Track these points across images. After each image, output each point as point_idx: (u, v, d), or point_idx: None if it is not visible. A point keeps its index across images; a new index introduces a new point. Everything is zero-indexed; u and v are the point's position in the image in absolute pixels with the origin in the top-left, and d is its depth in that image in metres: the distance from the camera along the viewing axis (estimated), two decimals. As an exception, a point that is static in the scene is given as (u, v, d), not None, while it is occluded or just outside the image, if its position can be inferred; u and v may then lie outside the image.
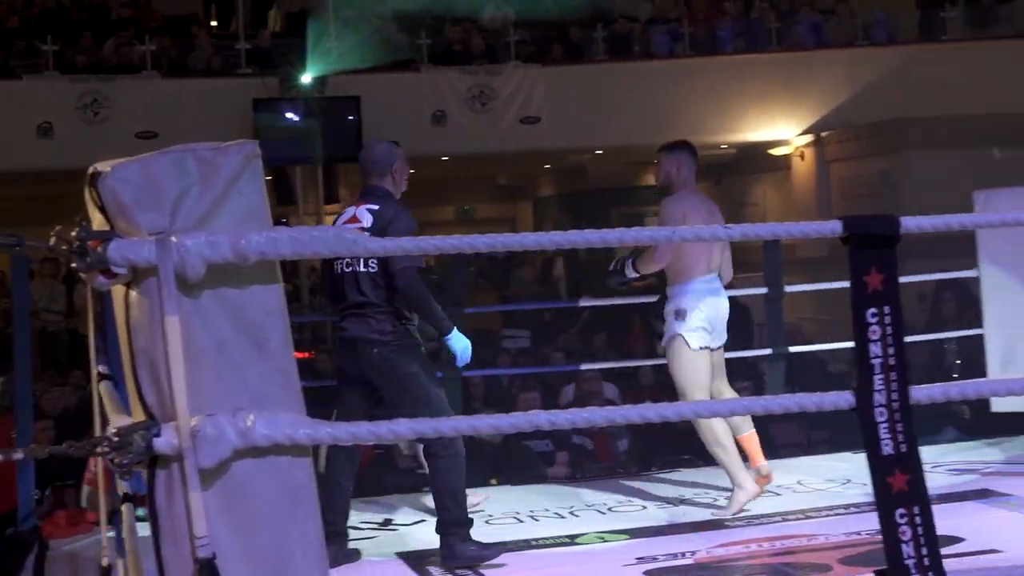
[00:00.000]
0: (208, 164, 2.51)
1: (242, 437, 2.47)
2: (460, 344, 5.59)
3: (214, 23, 18.25)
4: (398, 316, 5.45)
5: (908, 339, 8.87)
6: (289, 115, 15.50)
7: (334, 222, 5.62)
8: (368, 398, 5.63)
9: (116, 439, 2.50)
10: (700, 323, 6.21)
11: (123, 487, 3.62)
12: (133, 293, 2.57)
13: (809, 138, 17.07)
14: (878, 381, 2.78)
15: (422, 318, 5.53)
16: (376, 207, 5.53)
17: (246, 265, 2.52)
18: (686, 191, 6.36)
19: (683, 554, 5.42)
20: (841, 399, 2.91)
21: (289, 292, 15.54)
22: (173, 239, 2.47)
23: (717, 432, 6.07)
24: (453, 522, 5.39)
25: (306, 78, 15.58)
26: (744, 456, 6.31)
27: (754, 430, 6.38)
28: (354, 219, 5.53)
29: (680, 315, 6.21)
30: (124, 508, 3.55)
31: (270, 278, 2.57)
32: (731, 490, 6.14)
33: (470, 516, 5.48)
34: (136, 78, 15.82)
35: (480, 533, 6.06)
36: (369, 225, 5.44)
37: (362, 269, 5.43)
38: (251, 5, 17.64)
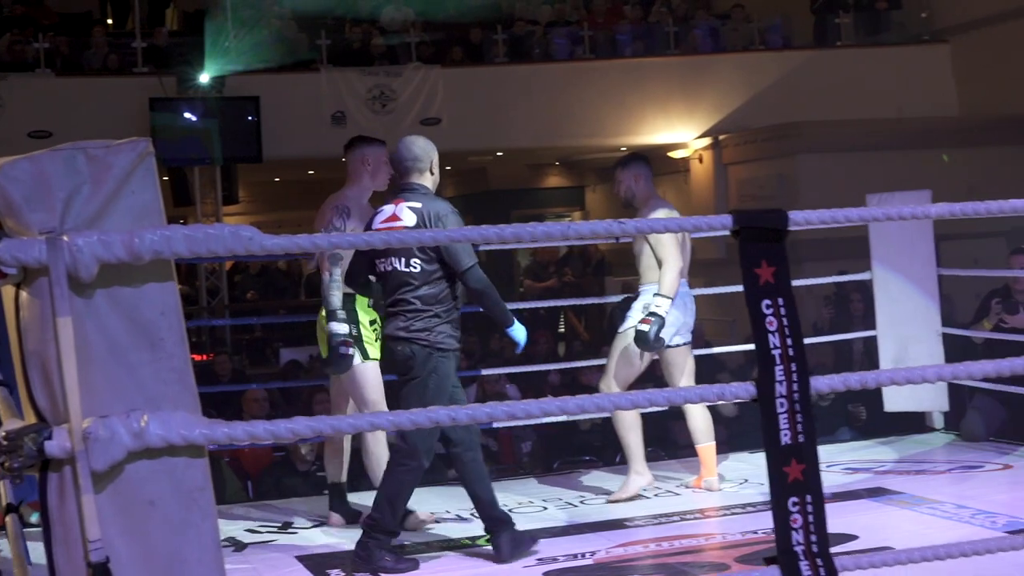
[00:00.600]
0: (99, 162, 2.47)
1: (136, 438, 2.43)
2: (521, 335, 5.66)
3: (110, 21, 17.99)
4: (433, 316, 5.40)
5: (815, 340, 9.01)
6: (187, 115, 15.30)
7: (371, 220, 5.59)
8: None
9: (6, 443, 2.46)
10: (676, 320, 6.41)
11: (7, 495, 3.56)
12: (24, 294, 2.52)
13: (707, 141, 17.23)
14: (778, 371, 2.81)
15: (490, 313, 5.56)
16: (419, 204, 5.48)
17: (140, 264, 2.48)
18: (655, 200, 6.61)
19: (583, 554, 5.44)
20: (742, 390, 2.94)
21: (187, 295, 15.46)
22: (64, 238, 2.43)
23: (634, 416, 6.38)
24: (380, 528, 5.34)
25: (204, 78, 15.39)
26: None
27: (713, 443, 6.63)
28: (394, 217, 5.48)
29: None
30: (8, 517, 3.48)
31: (165, 277, 2.53)
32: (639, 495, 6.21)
33: (396, 529, 5.43)
34: (30, 76, 15.52)
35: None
36: (412, 224, 5.40)
37: (402, 268, 5.42)
38: (148, 3, 17.43)
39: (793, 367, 2.81)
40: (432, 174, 5.63)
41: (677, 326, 6.44)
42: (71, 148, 2.49)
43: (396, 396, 5.68)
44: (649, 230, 3.08)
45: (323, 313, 6.02)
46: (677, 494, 6.60)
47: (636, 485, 6.39)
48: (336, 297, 5.87)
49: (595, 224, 3.05)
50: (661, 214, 6.48)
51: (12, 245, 2.44)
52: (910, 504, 6.08)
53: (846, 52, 17.26)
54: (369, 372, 6.09)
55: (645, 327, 6.15)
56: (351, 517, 6.20)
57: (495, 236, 2.99)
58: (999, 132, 15.53)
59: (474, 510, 5.59)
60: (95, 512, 2.41)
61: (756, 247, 2.82)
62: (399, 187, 5.64)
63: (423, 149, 5.64)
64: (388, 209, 5.53)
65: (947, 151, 15.13)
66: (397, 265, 5.41)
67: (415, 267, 5.38)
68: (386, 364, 5.88)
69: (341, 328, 5.83)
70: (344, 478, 6.42)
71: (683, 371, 6.60)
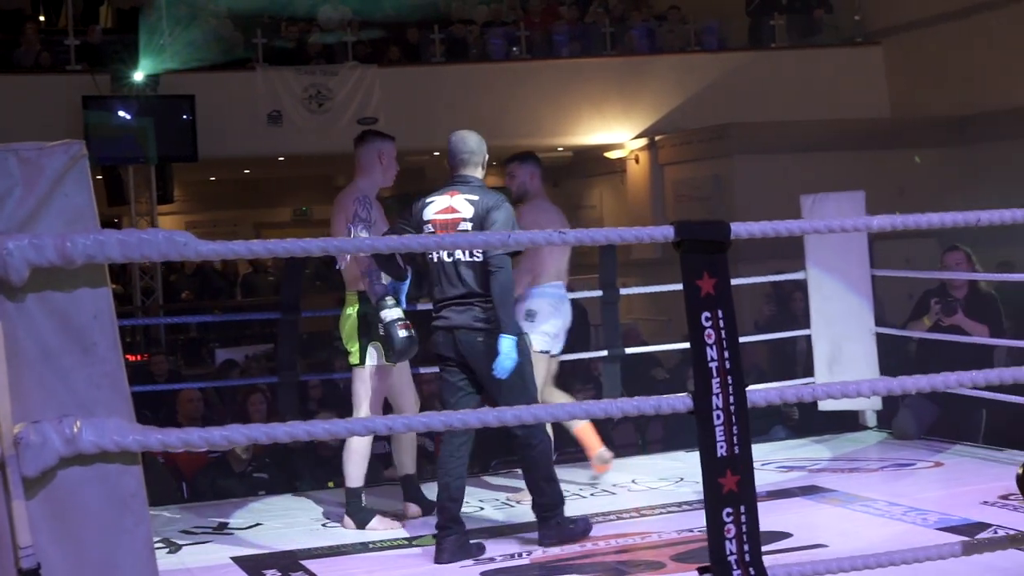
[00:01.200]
0: (32, 165, 2.45)
1: (68, 444, 2.41)
2: (511, 350, 5.44)
3: (42, 18, 17.76)
4: (491, 305, 5.47)
5: (756, 338, 9.07)
6: (121, 113, 15.14)
7: (421, 210, 5.61)
8: (476, 383, 5.67)
9: (-65, 448, 2.43)
10: (548, 328, 6.38)
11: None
12: (-47, 298, 2.49)
13: (643, 142, 17.31)
14: (715, 384, 2.82)
15: (500, 310, 5.41)
16: (475, 197, 5.55)
17: (72, 268, 2.46)
18: (541, 199, 6.64)
19: (520, 554, 5.45)
20: (679, 402, 2.95)
21: (121, 295, 15.32)
22: (-5, 241, 2.40)
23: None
24: (551, 505, 5.55)
25: (138, 76, 15.22)
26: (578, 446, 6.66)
27: (585, 422, 6.60)
28: (450, 208, 5.55)
29: (530, 316, 6.36)
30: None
31: (98, 281, 2.51)
32: (575, 493, 6.21)
33: (562, 498, 5.65)
34: (-41, 74, 15.32)
35: (315, 536, 6.04)
36: (470, 216, 5.48)
37: (466, 258, 5.46)
38: (82, 0, 17.23)
39: (730, 380, 2.83)
40: (483, 168, 5.75)
41: (559, 331, 6.53)
42: (2, 150, 2.47)
43: (489, 388, 5.60)
44: (591, 241, 3.08)
45: (349, 311, 6.05)
46: (613, 493, 6.63)
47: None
48: (381, 285, 5.81)
49: (535, 234, 3.06)
50: (526, 212, 6.47)
51: (-59, 249, 2.41)
52: (843, 502, 6.13)
53: (780, 54, 17.39)
54: (367, 373, 6.11)
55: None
56: (428, 507, 6.18)
57: (418, 245, 2.98)
58: (930, 133, 15.74)
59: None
60: (26, 518, 2.39)
61: (698, 259, 2.83)
62: (452, 179, 5.70)
63: (477, 143, 5.75)
64: (442, 200, 5.60)
65: (879, 152, 15.28)
66: (460, 256, 5.47)
67: (478, 256, 5.44)
68: (452, 352, 5.63)
69: (395, 312, 5.75)
70: (414, 469, 6.49)
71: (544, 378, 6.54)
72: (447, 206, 5.56)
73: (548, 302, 6.44)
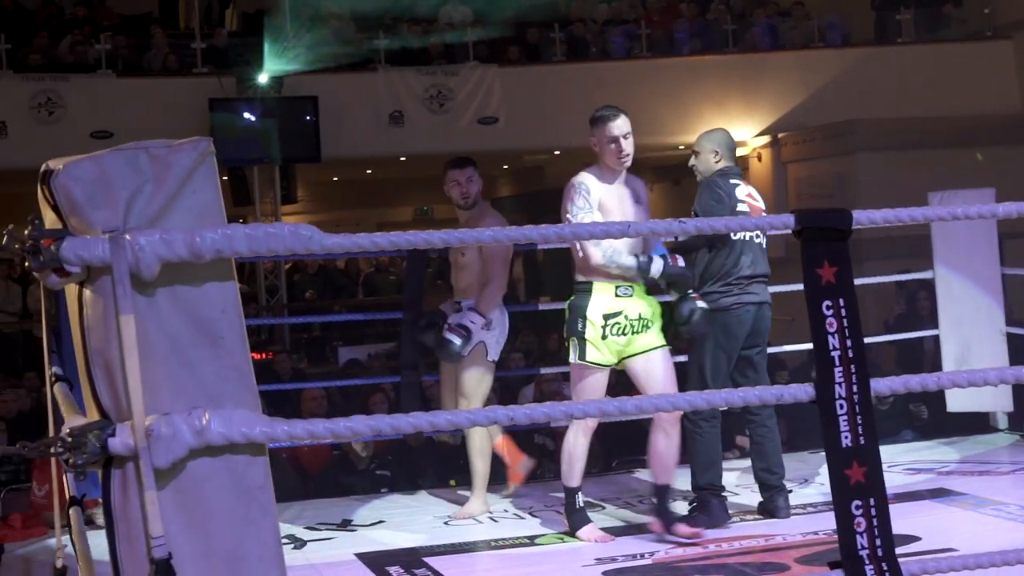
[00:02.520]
0: (161, 161, 2.48)
1: (197, 436, 2.44)
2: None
3: (167, 23, 18.12)
4: None
5: (883, 338, 8.94)
6: (246, 115, 15.39)
7: (732, 190, 5.97)
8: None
9: (70, 439, 2.47)
10: (499, 336, 6.42)
11: (70, 490, 3.60)
12: (87, 292, 2.53)
13: (766, 139, 17.15)
14: (838, 373, 2.79)
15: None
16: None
17: (201, 263, 2.49)
18: (487, 205, 6.67)
19: (642, 555, 5.43)
20: (801, 391, 2.92)
21: (247, 294, 15.56)
22: (127, 237, 2.44)
23: (485, 443, 6.42)
24: (711, 489, 5.88)
25: (263, 78, 15.47)
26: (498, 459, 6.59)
27: (506, 435, 6.66)
28: (751, 196, 6.12)
29: (488, 325, 6.32)
30: (72, 511, 3.52)
31: (225, 275, 2.54)
32: (689, 492, 6.15)
33: (722, 483, 5.96)
34: (91, 77, 15.65)
35: (438, 535, 6.07)
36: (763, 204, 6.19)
37: (758, 240, 5.99)
38: (207, 4, 17.55)
39: (853, 368, 2.79)
40: None
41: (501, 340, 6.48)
42: (133, 148, 2.50)
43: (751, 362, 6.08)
44: (711, 230, 3.06)
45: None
46: (736, 494, 6.56)
47: (469, 511, 6.37)
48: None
49: (655, 223, 3.04)
50: (494, 223, 6.36)
51: (76, 244, 2.45)
52: (973, 505, 6.03)
53: (906, 49, 17.09)
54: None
55: (455, 339, 6.19)
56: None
57: (554, 236, 2.98)
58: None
59: (532, 509, 5.64)
60: (158, 509, 2.42)
61: (818, 247, 2.80)
62: (726, 170, 6.12)
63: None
64: (743, 188, 6.10)
65: (1009, 148, 14.94)
66: (755, 238, 5.94)
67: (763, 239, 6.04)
68: (745, 329, 5.97)
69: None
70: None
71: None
72: (748, 192, 6.09)
73: (500, 310, 6.41)
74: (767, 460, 6.08)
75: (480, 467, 6.40)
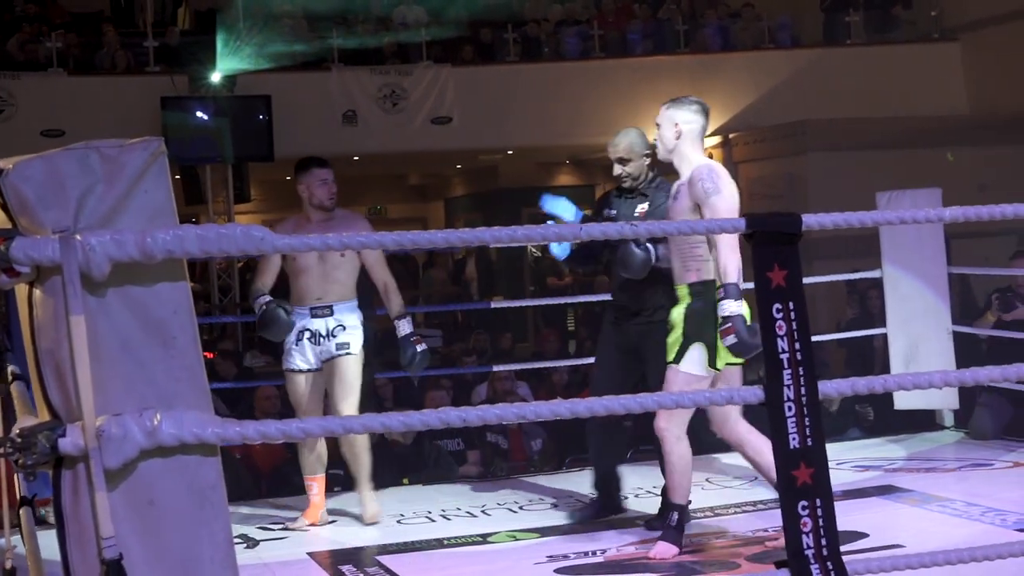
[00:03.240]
0: (113, 161, 2.47)
1: (149, 437, 2.44)
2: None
3: (119, 20, 18.01)
4: None
5: (833, 336, 8.97)
6: (198, 114, 15.31)
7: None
8: None
9: (20, 440, 2.46)
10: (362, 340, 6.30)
11: (22, 490, 3.57)
12: (37, 292, 2.52)
13: (717, 139, 17.21)
14: (787, 376, 2.81)
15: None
16: None
17: (152, 263, 2.48)
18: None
19: (593, 552, 5.44)
20: (751, 394, 2.94)
21: (199, 292, 15.47)
22: (78, 237, 2.43)
23: (365, 448, 6.25)
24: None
25: (216, 77, 15.38)
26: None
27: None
28: None
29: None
30: (22, 512, 3.49)
31: (177, 275, 2.53)
32: (655, 490, 6.15)
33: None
34: (42, 76, 15.53)
35: (391, 533, 6.07)
36: None
37: None
38: (161, 3, 17.46)
39: (801, 371, 2.81)
40: None
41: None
42: (84, 147, 2.49)
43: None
44: (662, 232, 3.07)
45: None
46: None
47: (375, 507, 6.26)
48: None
49: (607, 226, 3.05)
50: (359, 224, 6.34)
51: (26, 244, 2.44)
52: (920, 502, 6.09)
53: (856, 50, 17.23)
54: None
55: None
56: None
57: (506, 237, 2.98)
58: (1009, 131, 15.48)
59: (484, 507, 5.59)
60: (108, 510, 2.41)
61: (769, 250, 2.82)
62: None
63: None
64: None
65: (956, 149, 15.08)
66: None
67: None
68: None
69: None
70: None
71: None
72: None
73: (359, 317, 6.34)
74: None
75: (363, 471, 6.25)
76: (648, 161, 5.98)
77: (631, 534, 5.73)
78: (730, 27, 17.80)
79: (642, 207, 5.98)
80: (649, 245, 5.51)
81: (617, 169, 6.02)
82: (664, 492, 5.60)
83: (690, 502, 5.52)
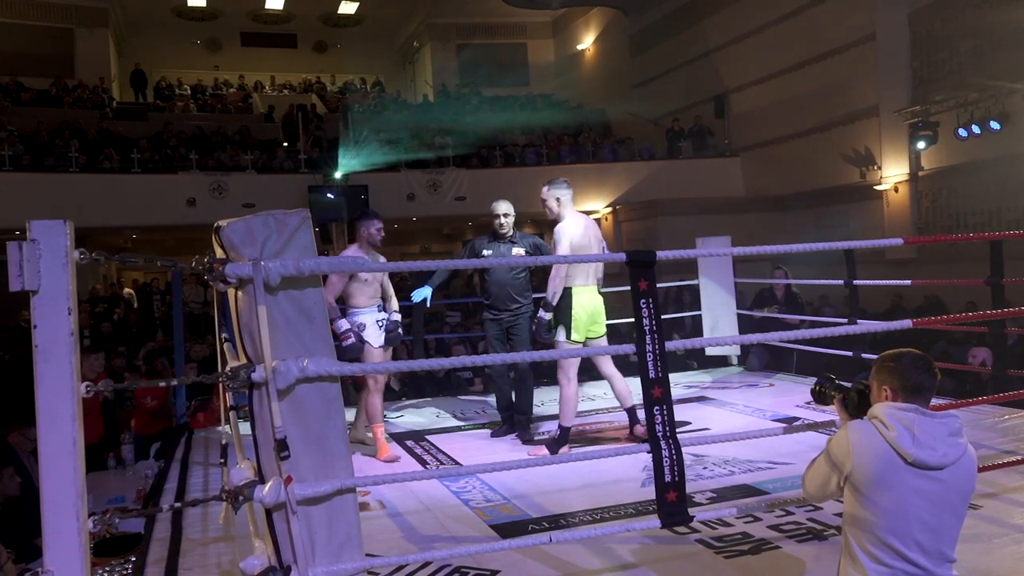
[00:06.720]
0: (281, 221, 2.46)
1: (301, 371, 2.42)
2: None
3: (286, 143, 17.96)
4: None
5: (674, 316, 8.83)
6: (328, 195, 15.31)
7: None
8: None
9: (231, 373, 2.45)
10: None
11: (230, 401, 3.55)
12: (239, 293, 2.51)
13: (610, 210, 17.24)
14: (648, 339, 2.80)
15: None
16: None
17: (303, 277, 2.47)
18: None
19: (544, 432, 5.33)
20: (626, 348, 2.93)
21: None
22: (262, 263, 2.42)
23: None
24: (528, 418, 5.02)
25: (338, 174, 15.40)
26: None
27: (377, 424, 5.12)
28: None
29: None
30: (231, 413, 3.47)
31: (316, 283, 2.52)
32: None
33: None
34: (242, 174, 15.51)
35: (432, 422, 5.97)
36: None
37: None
38: (311, 135, 17.40)
39: (656, 336, 2.79)
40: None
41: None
42: (265, 215, 2.48)
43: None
44: (569, 262, 3.04)
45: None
46: (592, 400, 6.52)
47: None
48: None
49: (536, 259, 3.02)
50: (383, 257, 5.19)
51: (233, 267, 2.43)
52: (719, 405, 6.08)
53: (684, 161, 17.27)
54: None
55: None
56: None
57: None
58: (766, 204, 15.59)
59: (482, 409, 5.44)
60: (278, 411, 2.40)
61: (639, 270, 2.80)
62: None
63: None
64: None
65: (737, 215, 15.15)
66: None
67: None
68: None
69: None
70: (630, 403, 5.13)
71: None
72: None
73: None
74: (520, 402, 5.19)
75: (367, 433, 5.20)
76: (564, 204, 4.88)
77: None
78: (617, 148, 17.81)
79: (519, 250, 5.20)
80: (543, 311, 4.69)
81: (502, 220, 5.27)
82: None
83: (574, 426, 4.88)
